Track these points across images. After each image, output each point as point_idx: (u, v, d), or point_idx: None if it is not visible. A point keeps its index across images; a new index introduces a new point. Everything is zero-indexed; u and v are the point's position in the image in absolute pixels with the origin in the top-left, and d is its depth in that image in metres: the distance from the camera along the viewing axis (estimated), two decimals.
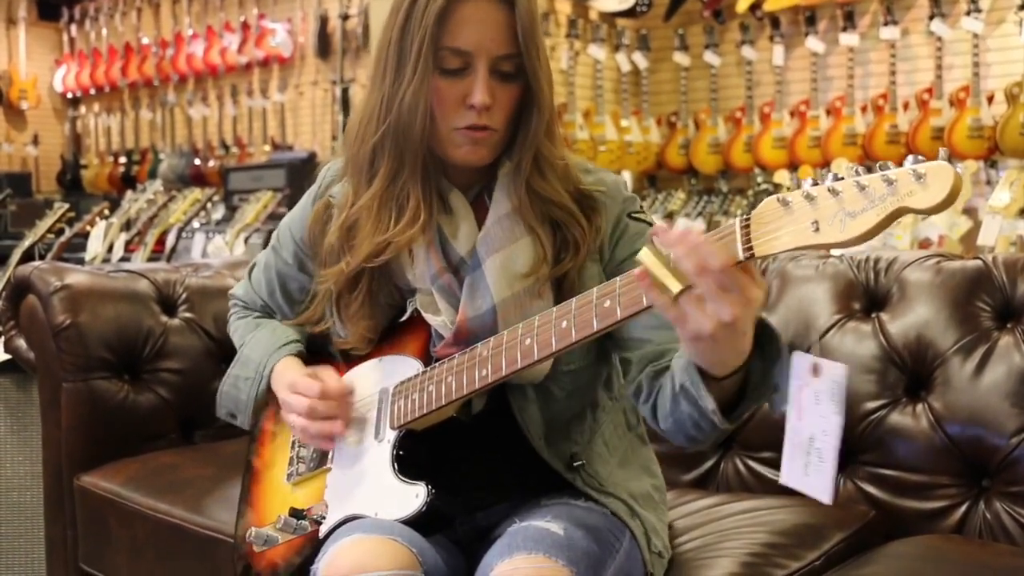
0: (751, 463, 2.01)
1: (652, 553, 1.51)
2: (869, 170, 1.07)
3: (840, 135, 6.07)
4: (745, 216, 1.12)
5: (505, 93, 1.42)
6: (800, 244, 1.08)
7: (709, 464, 2.06)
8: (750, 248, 1.11)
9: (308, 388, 1.51)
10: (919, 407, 1.84)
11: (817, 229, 1.06)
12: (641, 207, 1.53)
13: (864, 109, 6.08)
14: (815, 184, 1.09)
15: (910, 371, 1.87)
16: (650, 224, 1.49)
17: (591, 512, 1.46)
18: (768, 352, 1.23)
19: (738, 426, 1.91)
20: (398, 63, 1.42)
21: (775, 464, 1.90)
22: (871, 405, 1.87)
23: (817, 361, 1.32)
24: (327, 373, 1.55)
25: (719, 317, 1.12)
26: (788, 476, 1.23)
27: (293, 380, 1.54)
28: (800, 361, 1.22)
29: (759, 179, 6.37)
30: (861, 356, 1.89)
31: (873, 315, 1.94)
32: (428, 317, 1.48)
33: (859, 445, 1.88)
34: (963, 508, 1.79)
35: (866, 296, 1.97)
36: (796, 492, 1.88)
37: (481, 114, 1.41)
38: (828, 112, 6.22)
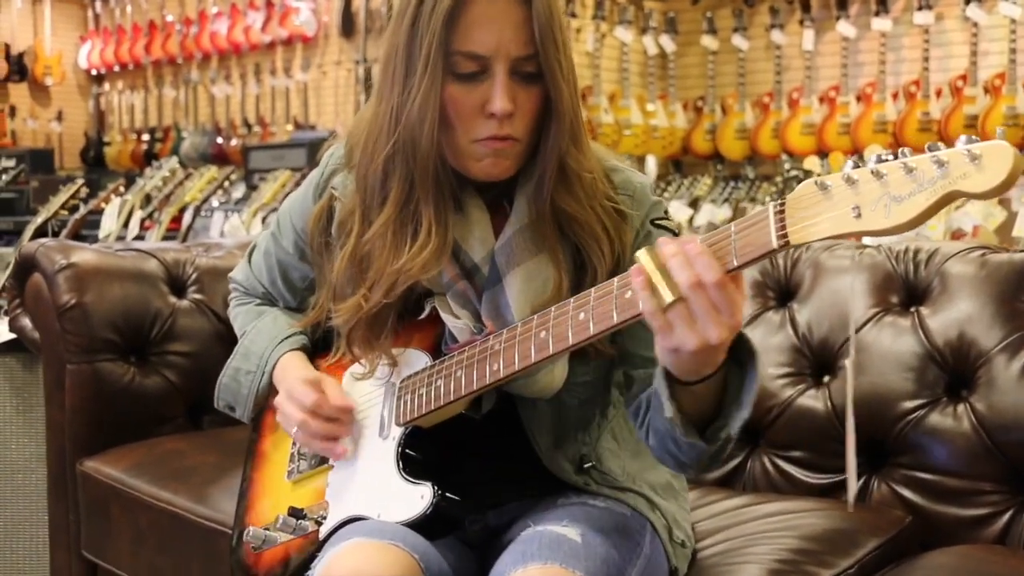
0: (780, 462, 1.93)
1: (675, 544, 1.45)
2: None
3: (870, 122, 5.99)
4: (780, 200, 1.04)
5: (528, 97, 1.30)
6: (840, 231, 1.00)
7: (735, 462, 1.97)
8: (784, 235, 1.03)
9: (303, 398, 1.43)
10: (960, 408, 1.76)
11: (859, 215, 0.99)
12: (666, 212, 1.43)
13: (895, 96, 6.01)
14: (856, 167, 1.00)
15: (951, 369, 1.78)
16: (674, 233, 1.39)
17: (610, 512, 1.39)
18: (746, 366, 1.20)
19: (766, 424, 1.89)
20: (406, 71, 1.30)
21: (805, 464, 1.91)
22: (909, 405, 1.78)
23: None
24: (329, 384, 1.46)
25: (706, 336, 1.08)
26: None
27: (291, 386, 1.46)
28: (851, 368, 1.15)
29: (786, 166, 6.31)
30: (899, 353, 1.81)
31: (912, 309, 1.85)
32: (447, 318, 1.38)
33: (895, 446, 1.80)
34: (1006, 516, 1.70)
35: (905, 289, 1.88)
36: (828, 495, 1.82)
37: (503, 123, 1.29)
38: (858, 98, 6.16)
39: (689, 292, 1.07)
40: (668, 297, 1.08)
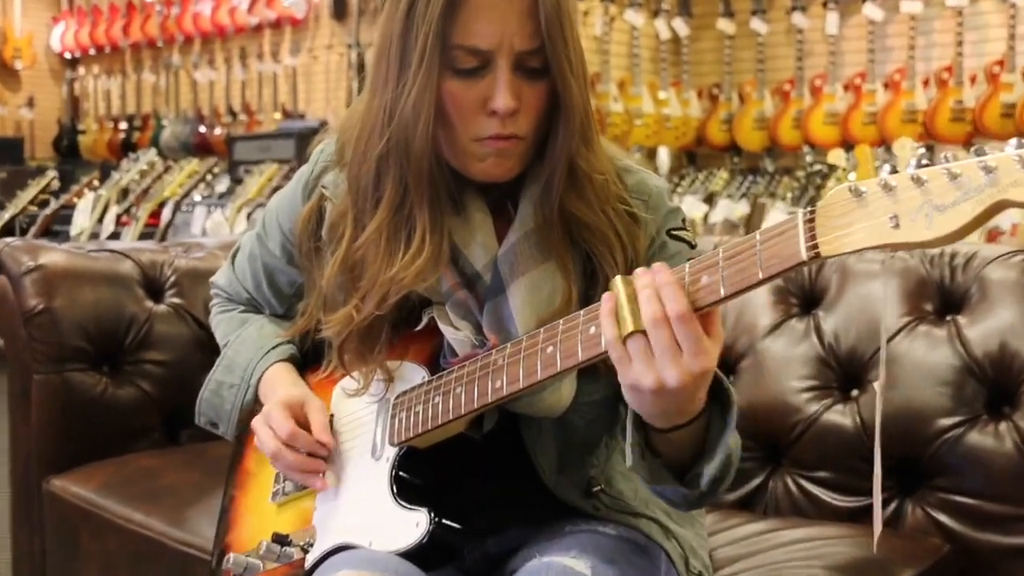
0: (804, 483, 1.91)
1: (692, 574, 1.43)
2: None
3: (899, 111, 5.98)
4: (810, 208, 1.03)
5: (533, 93, 1.28)
6: (876, 243, 0.98)
7: (756, 482, 1.96)
8: (815, 247, 1.01)
9: (279, 426, 1.41)
10: (1002, 426, 1.74)
11: (897, 225, 0.96)
12: (684, 220, 1.42)
13: (926, 83, 5.99)
14: (894, 171, 0.98)
15: (991, 383, 1.77)
16: (691, 244, 1.40)
17: (621, 540, 1.37)
18: (727, 411, 1.20)
19: (789, 442, 1.87)
20: (400, 64, 1.28)
21: (832, 485, 1.90)
22: (945, 422, 1.77)
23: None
24: (313, 408, 1.44)
25: (662, 377, 1.09)
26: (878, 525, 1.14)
27: (270, 409, 1.44)
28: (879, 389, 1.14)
29: (809, 158, 6.29)
30: (934, 365, 1.79)
31: (948, 318, 1.84)
32: (446, 330, 1.37)
33: (931, 468, 1.78)
34: None
35: (940, 296, 1.87)
36: (857, 521, 1.80)
37: (506, 121, 1.27)
38: (886, 86, 6.15)
39: (650, 325, 1.08)
40: (627, 327, 1.10)
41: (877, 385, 1.14)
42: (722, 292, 1.07)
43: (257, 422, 1.45)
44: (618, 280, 1.12)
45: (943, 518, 1.76)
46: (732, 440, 1.23)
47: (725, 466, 1.22)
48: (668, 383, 1.08)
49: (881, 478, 1.13)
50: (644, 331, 1.09)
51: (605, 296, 1.13)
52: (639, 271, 1.12)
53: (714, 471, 1.19)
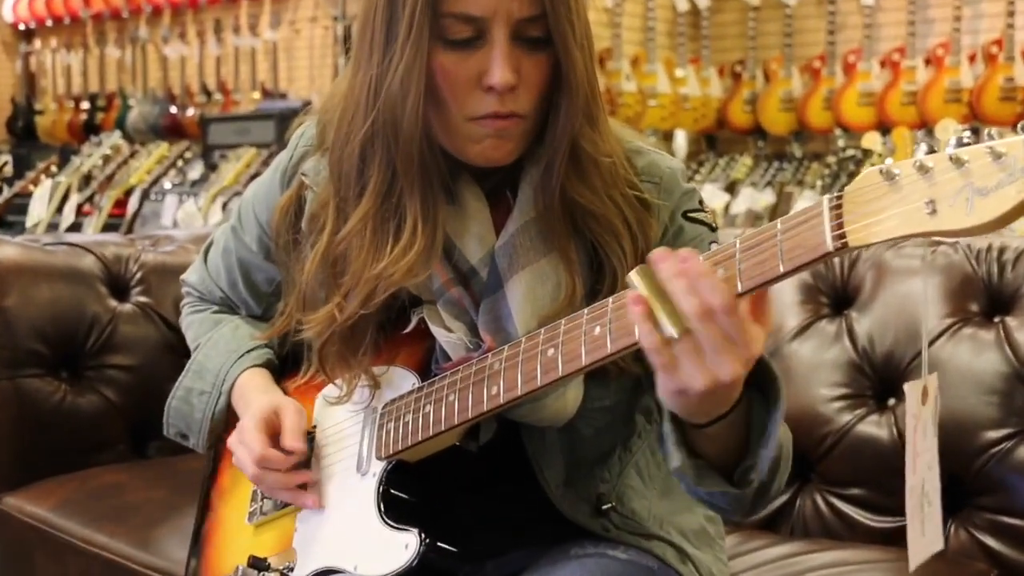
0: (835, 501, 1.93)
1: None
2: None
3: (941, 90, 5.99)
4: (836, 193, 1.02)
5: (533, 66, 1.28)
6: (910, 231, 0.97)
7: (782, 500, 1.97)
8: (842, 236, 1.00)
9: (251, 446, 1.42)
10: None
11: (934, 211, 0.95)
12: (701, 202, 1.42)
13: (972, 58, 6.00)
14: (931, 152, 0.97)
15: None
16: (711, 227, 1.39)
17: (633, 565, 1.37)
18: (769, 396, 1.20)
19: (819, 455, 1.88)
20: (386, 36, 1.28)
21: (865, 504, 1.91)
22: (993, 435, 1.78)
23: (927, 381, 1.23)
24: (289, 414, 1.44)
25: (716, 373, 1.07)
26: (917, 552, 1.12)
27: (242, 427, 1.45)
28: (911, 392, 1.13)
29: (841, 142, 6.29)
30: (980, 372, 1.81)
31: (996, 320, 1.85)
32: (438, 331, 1.37)
33: (976, 485, 1.79)
34: None
35: (987, 295, 1.88)
36: (893, 543, 1.80)
37: (504, 98, 1.27)
38: (927, 62, 6.16)
39: (697, 323, 1.06)
40: (673, 331, 1.07)
41: (907, 386, 1.15)
42: (739, 287, 1.07)
43: (232, 441, 1.46)
44: (635, 276, 1.09)
45: (990, 541, 1.77)
46: (781, 429, 1.22)
47: (776, 457, 1.21)
48: (723, 379, 1.07)
49: (939, 491, 1.13)
50: (689, 330, 1.07)
51: (631, 298, 1.10)
52: (655, 256, 1.09)
53: (768, 462, 1.18)
